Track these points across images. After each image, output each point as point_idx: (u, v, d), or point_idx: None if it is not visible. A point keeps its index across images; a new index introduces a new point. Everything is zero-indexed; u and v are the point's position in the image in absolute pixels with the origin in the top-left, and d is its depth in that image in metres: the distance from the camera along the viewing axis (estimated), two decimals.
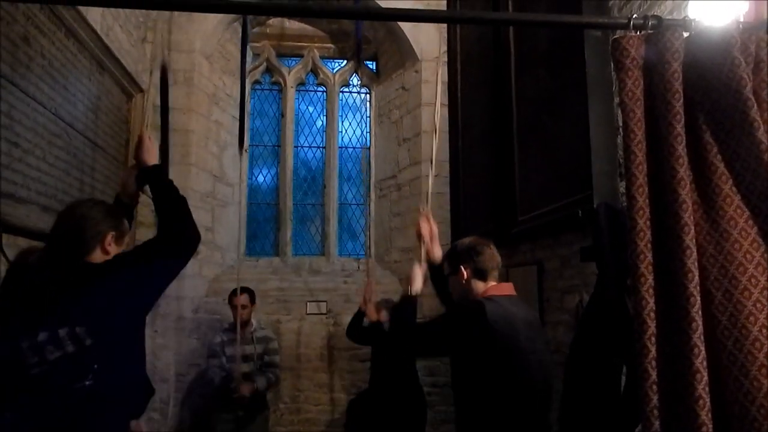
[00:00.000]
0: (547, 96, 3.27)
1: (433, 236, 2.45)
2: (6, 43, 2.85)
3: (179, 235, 1.80)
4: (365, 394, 4.47)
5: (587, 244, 2.68)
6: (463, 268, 2.11)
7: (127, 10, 4.54)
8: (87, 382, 1.55)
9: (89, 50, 3.79)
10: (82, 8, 3.60)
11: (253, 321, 4.33)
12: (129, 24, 4.62)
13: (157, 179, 1.94)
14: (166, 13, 4.94)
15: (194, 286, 5.02)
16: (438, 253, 2.43)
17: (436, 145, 2.72)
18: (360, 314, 4.31)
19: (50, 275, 1.66)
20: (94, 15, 3.86)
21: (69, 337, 1.55)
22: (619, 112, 2.57)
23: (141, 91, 4.82)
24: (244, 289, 4.22)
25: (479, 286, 2.10)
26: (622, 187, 2.59)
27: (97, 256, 1.74)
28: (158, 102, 3.48)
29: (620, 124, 2.57)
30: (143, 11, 4.87)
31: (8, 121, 2.88)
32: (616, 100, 2.64)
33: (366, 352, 4.52)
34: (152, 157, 1.98)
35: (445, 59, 5.13)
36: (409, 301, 2.24)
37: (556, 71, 3.17)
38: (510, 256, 3.79)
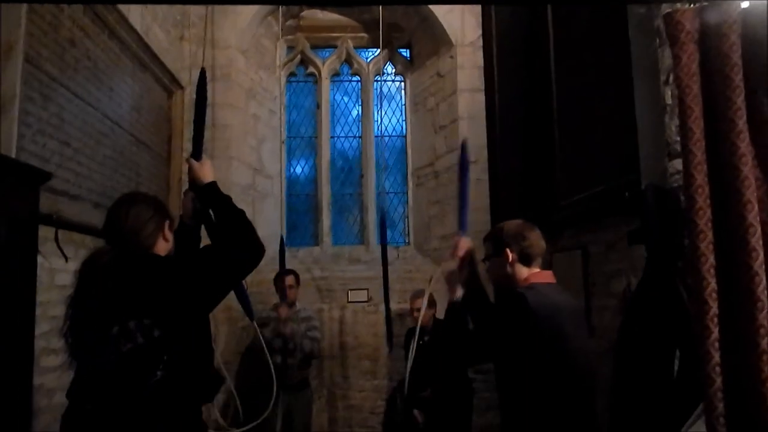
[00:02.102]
0: (589, 77, 3.20)
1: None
2: (54, 46, 2.94)
3: (246, 243, 1.84)
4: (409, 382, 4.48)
5: (634, 227, 2.62)
6: (508, 251, 2.07)
7: (165, 9, 4.62)
8: (159, 373, 1.62)
9: (131, 50, 3.88)
10: (123, 9, 3.69)
11: (298, 304, 4.42)
12: (167, 23, 4.71)
13: (213, 197, 1.96)
14: (203, 10, 5.02)
15: None
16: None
17: None
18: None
19: (122, 272, 1.72)
20: (134, 15, 3.95)
21: (138, 329, 1.62)
22: (666, 90, 2.52)
23: (181, 88, 4.91)
24: (290, 271, 4.39)
25: (522, 271, 2.07)
26: (670, 167, 2.52)
27: (161, 245, 1.82)
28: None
29: (667, 102, 2.51)
30: (180, 9, 4.95)
31: (59, 122, 2.98)
32: (662, 78, 2.57)
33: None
34: (205, 175, 1.98)
35: (480, 44, 5.07)
36: (454, 310, 2.17)
37: (597, 51, 3.10)
38: (553, 242, 3.73)
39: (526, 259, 2.07)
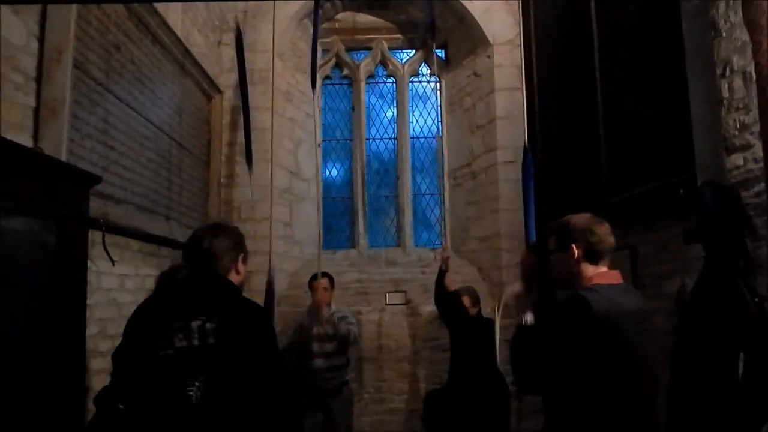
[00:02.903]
0: (637, 71, 3.11)
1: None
2: (101, 51, 2.99)
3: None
4: (445, 386, 4.45)
5: (689, 225, 2.53)
6: (574, 247, 1.97)
7: (204, 14, 4.68)
8: (196, 383, 1.60)
9: (172, 55, 3.93)
10: (164, 14, 3.74)
11: (333, 306, 4.40)
12: (206, 28, 4.77)
13: None
14: (241, 15, 5.06)
15: (276, 280, 5.13)
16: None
17: None
18: (441, 275, 4.39)
19: (197, 285, 1.81)
20: (174, 21, 4.00)
21: (198, 329, 1.65)
22: (723, 83, 2.42)
23: (219, 92, 4.96)
24: (324, 274, 4.36)
25: (588, 269, 1.94)
26: (728, 163, 2.42)
27: (233, 277, 1.88)
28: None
29: (724, 96, 2.42)
30: (218, 14, 5.00)
31: (105, 126, 3.02)
32: (719, 70, 2.47)
33: (448, 342, 4.49)
34: None
35: (518, 42, 5.00)
36: (524, 332, 2.04)
37: (646, 44, 3.01)
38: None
39: (593, 257, 1.93)
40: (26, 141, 2.45)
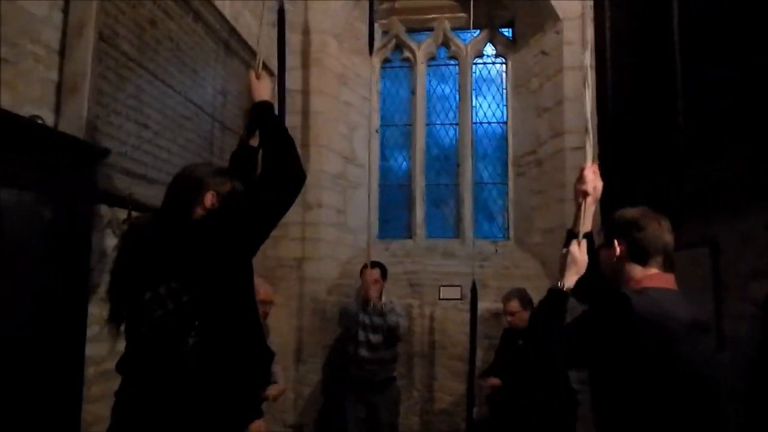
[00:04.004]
0: (723, 37, 2.66)
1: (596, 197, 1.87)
2: (133, 26, 2.89)
3: (283, 171, 1.76)
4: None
5: None
6: (616, 243, 1.67)
7: None
8: (191, 340, 1.58)
9: (217, 34, 3.82)
10: None
11: (384, 298, 4.16)
12: (258, 8, 4.63)
13: (263, 116, 1.91)
14: None
15: (327, 269, 4.99)
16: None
17: None
18: None
19: (155, 235, 1.71)
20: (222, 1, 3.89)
21: (167, 293, 1.59)
22: None
23: (272, 74, 4.83)
24: (376, 264, 4.13)
25: (635, 270, 1.65)
26: None
27: (198, 215, 1.76)
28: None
29: None
30: None
31: (137, 103, 2.93)
32: None
33: None
34: (260, 94, 1.95)
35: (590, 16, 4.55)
36: (557, 298, 1.70)
37: (738, 6, 2.55)
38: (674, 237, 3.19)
39: (640, 256, 1.64)
40: (47, 116, 2.37)
